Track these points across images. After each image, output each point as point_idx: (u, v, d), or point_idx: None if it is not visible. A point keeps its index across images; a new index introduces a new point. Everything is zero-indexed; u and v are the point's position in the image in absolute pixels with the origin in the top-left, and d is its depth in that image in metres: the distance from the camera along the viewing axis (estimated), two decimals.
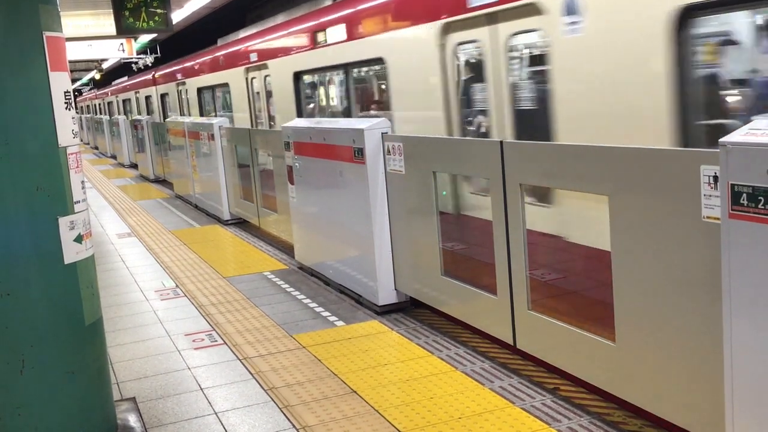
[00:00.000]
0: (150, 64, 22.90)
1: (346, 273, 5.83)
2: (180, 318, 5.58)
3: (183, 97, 16.50)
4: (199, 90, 14.96)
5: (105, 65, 26.60)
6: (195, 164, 11.05)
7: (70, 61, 3.90)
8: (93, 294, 3.43)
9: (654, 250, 3.08)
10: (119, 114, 25.70)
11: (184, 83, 16.26)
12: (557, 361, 3.87)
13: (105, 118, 25.82)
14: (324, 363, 4.43)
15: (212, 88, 14.14)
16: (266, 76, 10.64)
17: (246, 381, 4.24)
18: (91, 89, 48.05)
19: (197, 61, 14.86)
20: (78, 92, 48.81)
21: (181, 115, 16.50)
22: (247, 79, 11.45)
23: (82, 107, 43.99)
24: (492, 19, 5.32)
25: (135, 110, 23.65)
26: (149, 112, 21.12)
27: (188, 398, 4.07)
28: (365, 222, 5.35)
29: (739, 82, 3.88)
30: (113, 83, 29.62)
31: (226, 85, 12.70)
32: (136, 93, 22.75)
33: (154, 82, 19.79)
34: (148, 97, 20.90)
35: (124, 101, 25.87)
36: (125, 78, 27.10)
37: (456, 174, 5.55)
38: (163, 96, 18.93)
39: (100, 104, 34.43)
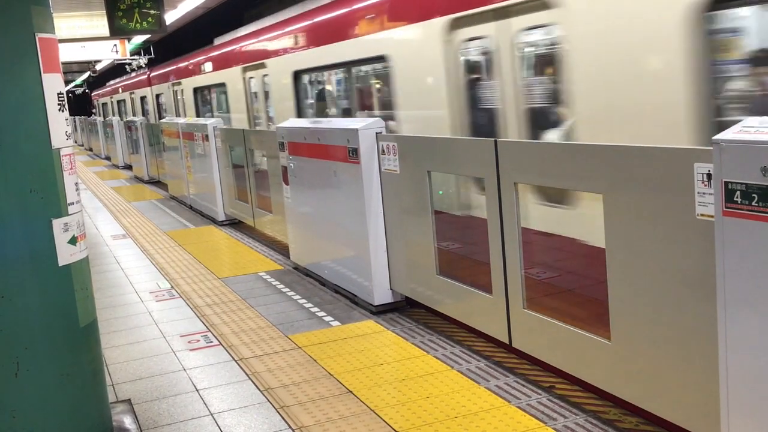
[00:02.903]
0: (144, 66, 22.76)
1: (341, 273, 5.82)
2: (175, 319, 5.57)
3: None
4: None
5: (98, 66, 26.12)
6: (189, 165, 11.03)
7: (63, 63, 3.90)
8: (87, 296, 3.42)
9: (648, 248, 3.09)
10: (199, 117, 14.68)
11: None
12: (553, 360, 3.87)
13: (99, 119, 24.96)
14: (320, 363, 4.42)
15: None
16: None
17: (242, 382, 4.23)
18: (86, 84, 41.25)
19: None
20: (71, 92, 45.56)
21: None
22: None
23: (105, 104, 31.45)
24: (501, 14, 5.17)
25: (265, 114, 11.00)
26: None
27: (184, 399, 4.06)
28: (360, 222, 5.34)
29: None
30: (181, 57, 16.71)
31: None
32: (264, 64, 10.39)
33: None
34: (298, 76, 9.37)
35: (210, 88, 13.75)
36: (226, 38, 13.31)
37: (451, 174, 5.53)
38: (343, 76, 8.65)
39: (144, 98, 21.15)
